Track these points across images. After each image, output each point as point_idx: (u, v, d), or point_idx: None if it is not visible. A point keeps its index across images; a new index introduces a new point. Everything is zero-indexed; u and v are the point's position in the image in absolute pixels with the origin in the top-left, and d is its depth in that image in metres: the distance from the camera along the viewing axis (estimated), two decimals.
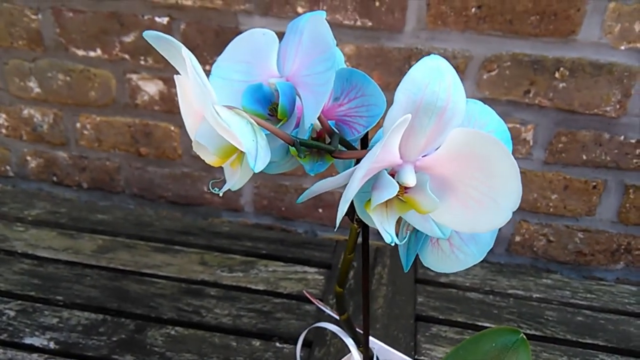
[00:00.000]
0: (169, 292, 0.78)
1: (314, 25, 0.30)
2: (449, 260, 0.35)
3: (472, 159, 0.27)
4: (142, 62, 0.92)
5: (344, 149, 0.32)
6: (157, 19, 0.88)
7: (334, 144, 0.31)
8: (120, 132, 0.98)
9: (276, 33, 0.33)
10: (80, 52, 0.93)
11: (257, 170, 0.27)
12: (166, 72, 0.91)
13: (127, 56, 0.92)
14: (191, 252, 0.88)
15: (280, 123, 0.31)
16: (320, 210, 0.98)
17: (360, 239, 0.38)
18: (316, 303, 0.48)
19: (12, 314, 0.72)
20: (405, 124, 0.26)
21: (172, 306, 0.76)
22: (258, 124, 0.29)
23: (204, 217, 1.02)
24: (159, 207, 1.03)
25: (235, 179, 0.30)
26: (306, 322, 0.75)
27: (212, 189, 0.30)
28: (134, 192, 1.03)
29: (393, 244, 0.29)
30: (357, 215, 0.35)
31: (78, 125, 0.99)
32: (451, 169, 0.28)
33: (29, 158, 1.04)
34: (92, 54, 0.93)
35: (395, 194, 0.27)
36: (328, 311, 0.49)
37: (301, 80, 0.31)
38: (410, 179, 0.28)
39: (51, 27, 0.92)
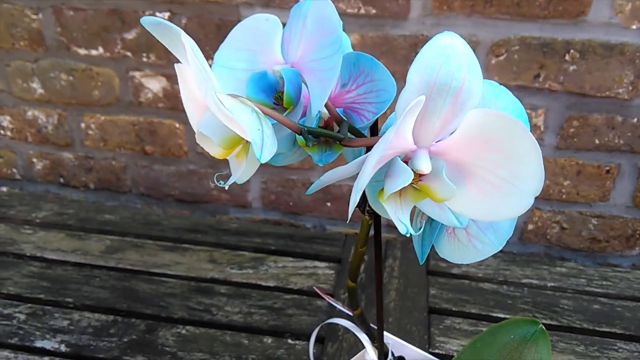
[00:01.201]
0: (179, 291, 0.78)
1: (318, 8, 0.28)
2: (467, 250, 0.33)
3: (490, 142, 0.26)
4: (145, 59, 0.91)
5: (353, 137, 0.31)
6: (158, 14, 0.87)
7: (342, 132, 0.30)
8: (125, 131, 0.97)
9: None
10: (82, 51, 0.92)
11: (263, 161, 0.26)
12: (169, 69, 0.90)
13: (129, 53, 0.91)
14: (200, 250, 0.87)
15: (287, 112, 0.30)
16: (328, 204, 0.96)
17: (372, 232, 0.37)
18: (327, 299, 0.47)
19: (22, 317, 0.72)
20: (418, 106, 0.25)
21: (183, 305, 0.75)
22: (263, 112, 0.27)
23: (211, 214, 1.01)
24: (167, 205, 1.02)
25: (241, 171, 0.29)
26: (318, 318, 0.74)
27: (217, 182, 0.29)
28: (140, 191, 1.02)
29: (408, 235, 0.28)
30: (369, 207, 0.34)
31: (82, 125, 0.98)
32: (468, 153, 0.27)
33: (34, 160, 1.04)
34: (94, 52, 0.92)
35: (409, 182, 0.26)
36: (339, 307, 0.48)
37: (307, 67, 0.29)
38: (425, 166, 0.26)
39: (52, 27, 0.91)
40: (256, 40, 0.32)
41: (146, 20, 0.27)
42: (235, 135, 0.27)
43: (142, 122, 0.96)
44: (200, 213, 1.02)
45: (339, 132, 0.30)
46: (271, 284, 0.80)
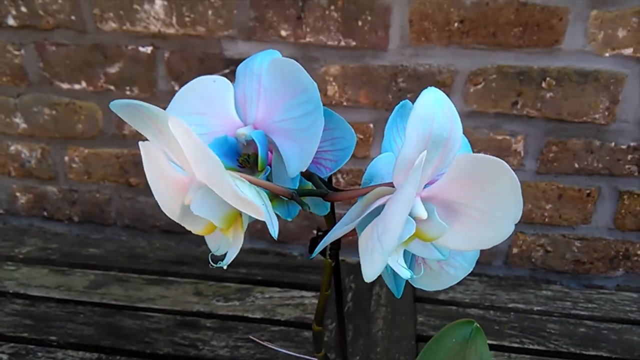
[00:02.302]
0: (164, 325, 0.77)
1: (279, 67, 0.28)
2: (440, 277, 0.35)
3: (475, 181, 0.27)
4: (128, 92, 0.91)
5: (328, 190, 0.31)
6: (140, 48, 0.88)
7: (318, 186, 0.30)
8: (109, 163, 0.97)
9: None
10: (65, 86, 0.92)
11: (276, 236, 0.26)
12: (152, 102, 0.91)
13: (112, 87, 0.91)
14: (185, 282, 0.87)
15: (259, 174, 0.30)
16: (314, 231, 0.96)
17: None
18: (269, 346, 0.48)
19: (5, 357, 0.71)
20: (422, 161, 0.26)
21: (168, 340, 0.74)
22: (256, 184, 0.27)
23: (197, 244, 1.01)
24: (152, 237, 1.01)
25: (236, 245, 0.28)
26: (305, 349, 0.73)
27: (216, 264, 0.29)
28: (125, 223, 1.01)
29: (411, 278, 0.29)
30: (330, 251, 0.34)
31: (66, 158, 0.98)
32: (454, 193, 0.28)
33: (18, 194, 1.03)
34: (77, 86, 0.92)
35: (414, 231, 0.27)
36: (285, 351, 0.48)
37: (275, 127, 0.29)
38: (422, 212, 0.28)
39: (34, 62, 0.91)
40: (205, 103, 0.30)
41: (116, 105, 0.26)
42: (234, 212, 0.26)
43: (126, 154, 0.96)
44: (186, 244, 1.01)
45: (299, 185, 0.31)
46: (258, 315, 0.80)
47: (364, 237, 0.28)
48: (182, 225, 0.28)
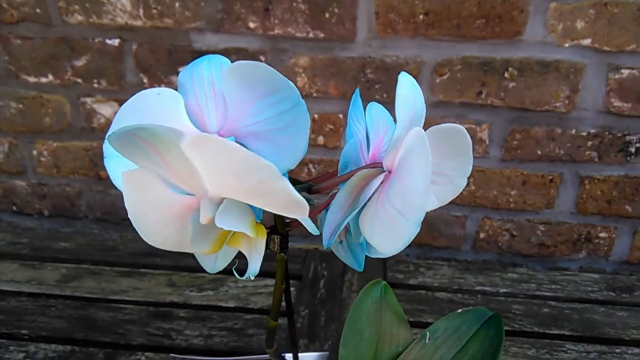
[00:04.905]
0: (138, 317, 0.77)
1: (241, 71, 0.27)
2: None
3: (439, 149, 0.31)
4: (96, 85, 0.90)
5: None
6: (107, 41, 0.87)
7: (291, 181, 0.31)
8: (78, 156, 0.96)
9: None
10: (32, 79, 0.91)
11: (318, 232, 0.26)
12: (121, 94, 0.90)
13: (79, 80, 0.90)
14: (158, 273, 0.87)
15: None
16: (287, 220, 0.97)
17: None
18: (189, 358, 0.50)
19: None
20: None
21: (142, 331, 0.75)
22: None
23: None
24: (123, 229, 1.01)
25: (259, 251, 0.27)
26: (278, 336, 0.75)
27: (244, 277, 0.28)
28: (96, 216, 1.01)
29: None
30: (281, 244, 0.35)
31: (34, 152, 0.97)
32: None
33: None
34: (43, 79, 0.91)
35: None
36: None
37: (246, 131, 0.28)
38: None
39: (0, 56, 0.90)
40: (152, 119, 0.28)
41: (112, 137, 0.23)
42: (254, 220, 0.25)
43: (96, 147, 0.95)
44: None
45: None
46: (231, 304, 0.81)
47: (368, 218, 0.29)
48: (184, 250, 0.27)
